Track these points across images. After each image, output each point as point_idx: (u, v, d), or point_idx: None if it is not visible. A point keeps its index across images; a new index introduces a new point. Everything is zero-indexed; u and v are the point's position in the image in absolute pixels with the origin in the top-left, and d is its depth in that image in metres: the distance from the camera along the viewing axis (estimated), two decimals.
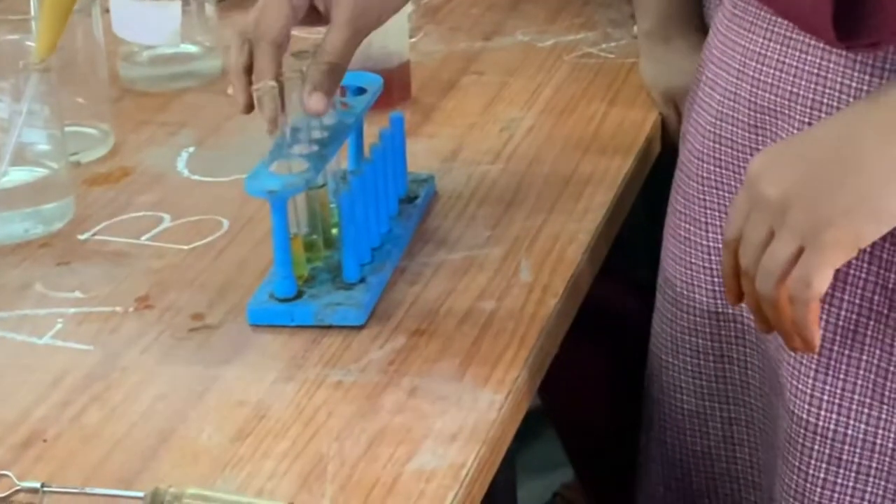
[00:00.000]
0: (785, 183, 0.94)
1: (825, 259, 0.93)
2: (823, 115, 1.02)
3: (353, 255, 1.11)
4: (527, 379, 1.04)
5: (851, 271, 1.04)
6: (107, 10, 1.49)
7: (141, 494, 0.90)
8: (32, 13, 1.33)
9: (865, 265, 1.03)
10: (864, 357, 1.05)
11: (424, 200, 1.24)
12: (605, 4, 1.64)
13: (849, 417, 1.06)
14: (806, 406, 1.07)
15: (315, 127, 1.14)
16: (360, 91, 1.22)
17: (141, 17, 1.48)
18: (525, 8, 1.65)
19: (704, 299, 1.17)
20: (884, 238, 0.99)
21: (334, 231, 1.17)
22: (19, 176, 1.23)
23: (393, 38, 1.43)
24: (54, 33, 1.23)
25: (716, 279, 1.16)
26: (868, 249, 1.02)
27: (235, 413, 0.99)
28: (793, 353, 1.07)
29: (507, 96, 1.45)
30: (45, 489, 0.92)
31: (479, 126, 1.39)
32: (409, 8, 1.45)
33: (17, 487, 0.92)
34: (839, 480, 1.07)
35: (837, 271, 1.03)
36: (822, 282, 0.94)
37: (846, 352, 1.05)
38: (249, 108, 1.11)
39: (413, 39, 1.56)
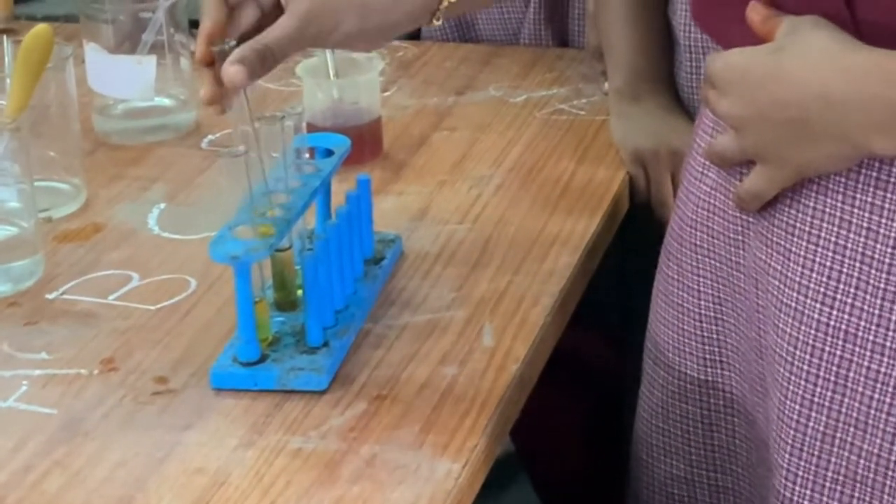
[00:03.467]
0: (764, 139, 1.04)
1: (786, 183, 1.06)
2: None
3: (317, 319, 1.12)
4: (485, 447, 1.04)
5: (827, 348, 1.05)
6: (82, 62, 1.50)
7: None
8: (7, 71, 1.34)
9: (840, 342, 1.04)
10: (839, 435, 1.05)
11: (390, 262, 1.25)
12: (577, 60, 1.65)
13: (822, 494, 1.06)
14: (782, 481, 1.08)
15: (281, 190, 1.15)
16: (328, 153, 1.23)
17: (116, 71, 1.48)
18: (498, 62, 1.67)
19: (696, 366, 1.18)
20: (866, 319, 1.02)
21: (299, 292, 1.18)
22: None
23: (364, 94, 1.45)
24: (25, 93, 1.24)
25: (706, 347, 1.17)
26: (844, 327, 1.04)
27: (195, 481, 1.00)
28: (775, 429, 1.08)
29: (478, 153, 1.46)
30: None
31: (449, 184, 1.40)
32: (380, 64, 1.46)
33: None
34: None
35: (813, 347, 1.04)
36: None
37: (821, 429, 1.06)
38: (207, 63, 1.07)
39: (386, 94, 1.57)
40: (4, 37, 1.38)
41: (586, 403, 1.76)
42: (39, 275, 1.26)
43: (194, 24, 1.61)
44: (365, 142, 1.43)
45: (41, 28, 1.26)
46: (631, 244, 1.50)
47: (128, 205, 1.38)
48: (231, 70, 1.04)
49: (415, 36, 1.77)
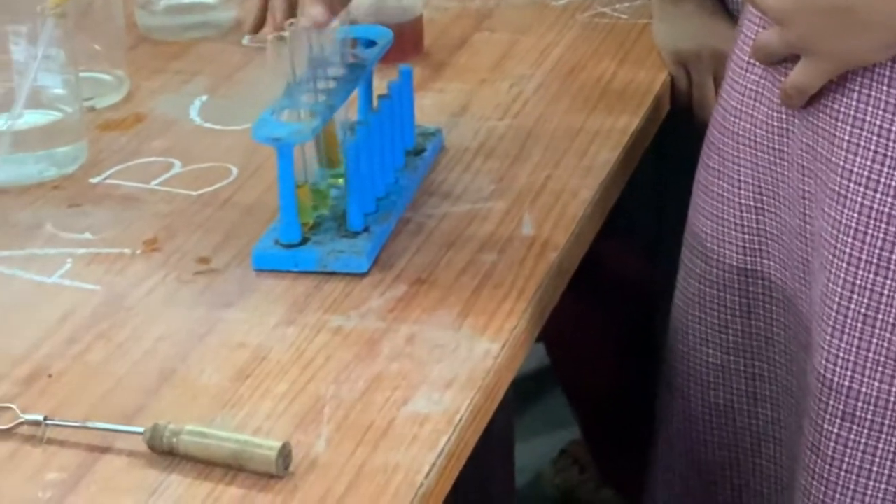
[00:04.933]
0: (809, 31, 1.05)
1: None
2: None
3: (358, 204, 1.13)
4: (524, 329, 1.05)
5: (870, 231, 1.06)
6: None
7: (140, 430, 0.92)
8: None
9: (883, 225, 1.05)
10: (880, 316, 1.06)
11: (431, 154, 1.26)
12: None
13: (863, 375, 1.08)
14: (823, 362, 1.09)
15: (324, 77, 1.16)
16: (371, 44, 1.24)
17: None
18: None
19: (735, 255, 1.19)
20: None
21: (340, 181, 1.19)
22: (34, 118, 1.25)
23: None
24: None
25: (746, 236, 1.18)
26: (888, 210, 1.04)
27: (236, 354, 1.02)
28: (818, 312, 1.09)
29: (518, 53, 1.46)
30: (48, 422, 0.94)
31: (489, 82, 1.40)
32: None
33: (21, 420, 0.94)
34: (852, 436, 1.09)
35: (856, 230, 1.05)
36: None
37: (862, 310, 1.07)
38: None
39: None
40: None
41: (619, 315, 1.76)
42: (83, 160, 1.27)
43: None
44: (406, 39, 1.43)
45: None
46: (666, 152, 1.50)
47: (170, 96, 1.39)
48: (315, 10, 1.13)
49: None
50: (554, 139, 1.29)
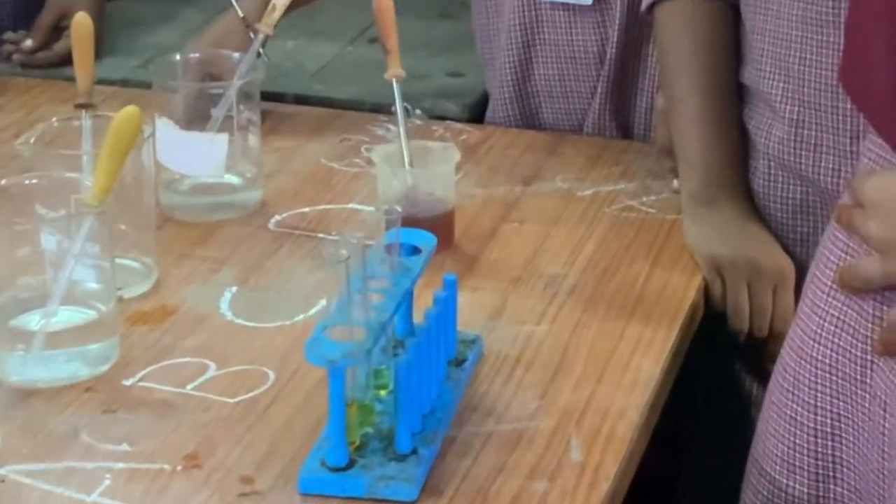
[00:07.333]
0: None
1: None
2: None
3: (407, 426, 1.10)
4: None
5: None
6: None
7: None
8: (83, 148, 1.33)
9: None
10: None
11: (472, 363, 1.24)
12: (642, 153, 1.65)
13: None
14: None
15: (373, 290, 1.14)
16: (414, 250, 1.22)
17: (188, 148, 1.47)
18: (563, 151, 1.66)
19: (805, 481, 1.17)
20: None
21: (383, 393, 1.16)
22: (68, 316, 1.22)
23: (440, 184, 1.43)
24: (111, 176, 1.22)
25: (819, 462, 1.17)
26: None
27: None
28: None
29: (550, 249, 1.45)
30: None
31: (523, 281, 1.39)
32: (456, 156, 1.45)
33: None
34: None
35: None
36: None
37: None
38: None
39: None
40: (84, 112, 1.37)
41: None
42: (115, 358, 1.24)
43: (266, 97, 1.61)
44: (438, 233, 1.39)
45: (130, 110, 1.23)
46: (696, 347, 1.48)
47: (199, 287, 1.36)
48: None
49: (478, 120, 1.77)
50: (594, 349, 1.28)
